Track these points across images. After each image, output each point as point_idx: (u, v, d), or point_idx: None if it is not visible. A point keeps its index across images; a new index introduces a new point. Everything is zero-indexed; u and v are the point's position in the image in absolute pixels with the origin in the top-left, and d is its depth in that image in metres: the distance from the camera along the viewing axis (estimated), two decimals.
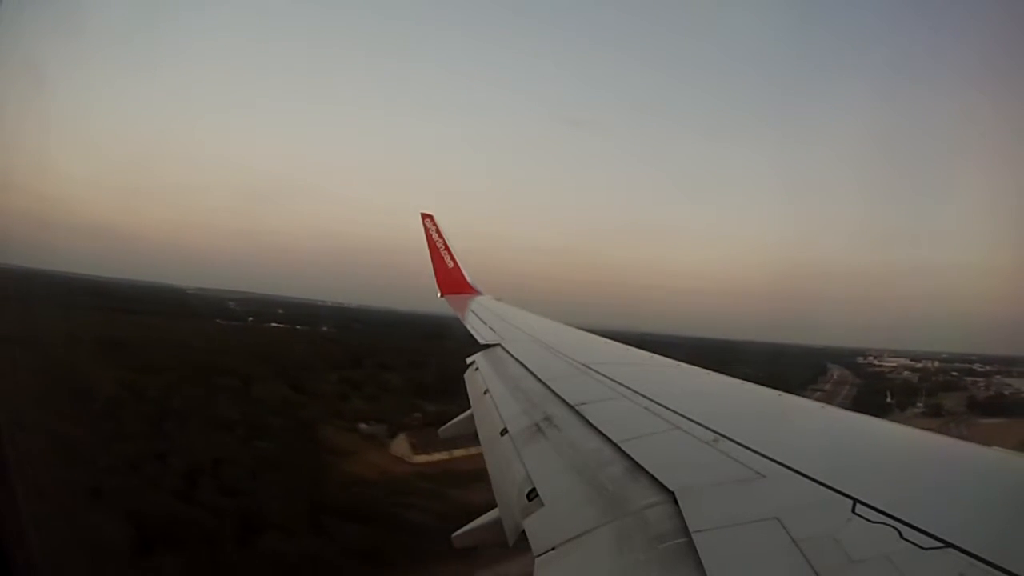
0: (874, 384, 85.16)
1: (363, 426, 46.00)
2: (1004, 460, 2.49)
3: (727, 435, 2.65)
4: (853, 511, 1.85)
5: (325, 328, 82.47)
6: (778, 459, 2.32)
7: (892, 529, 1.72)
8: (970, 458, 2.55)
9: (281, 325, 77.10)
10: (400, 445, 42.19)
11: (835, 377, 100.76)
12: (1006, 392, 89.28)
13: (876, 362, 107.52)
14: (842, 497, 1.94)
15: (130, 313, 61.95)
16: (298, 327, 78.34)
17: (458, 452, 44.92)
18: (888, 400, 71.37)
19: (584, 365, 4.49)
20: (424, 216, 10.78)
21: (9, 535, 2.73)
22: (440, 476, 39.97)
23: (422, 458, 41.06)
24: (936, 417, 66.73)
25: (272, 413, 40.50)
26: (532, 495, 2.60)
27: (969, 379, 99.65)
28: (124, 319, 57.46)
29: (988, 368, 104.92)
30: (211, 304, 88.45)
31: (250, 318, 78.96)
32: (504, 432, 3.52)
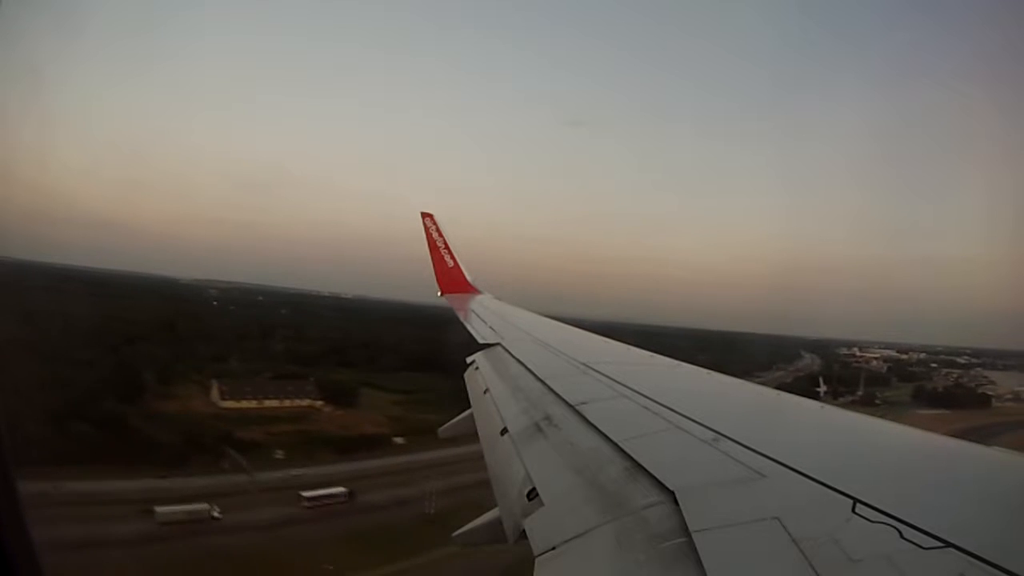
0: (826, 372, 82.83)
1: (215, 381, 55.56)
2: (1004, 460, 2.51)
3: (727, 435, 2.66)
4: (853, 511, 1.85)
5: (284, 311, 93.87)
6: (778, 459, 2.32)
7: (892, 529, 1.71)
8: (970, 458, 2.56)
9: (232, 308, 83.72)
10: (213, 393, 49.20)
11: (798, 365, 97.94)
12: (971, 385, 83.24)
13: (857, 353, 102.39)
14: (842, 497, 1.94)
15: (94, 296, 72.53)
16: (252, 310, 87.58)
17: (269, 402, 53.39)
18: (818, 388, 70.26)
19: (584, 364, 4.51)
20: (424, 215, 10.77)
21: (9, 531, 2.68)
22: (231, 419, 45.89)
23: (229, 404, 48.39)
24: (869, 406, 65.55)
25: (123, 362, 47.00)
26: (532, 495, 2.61)
27: (944, 371, 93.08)
28: (84, 301, 69.01)
29: (973, 361, 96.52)
30: (190, 291, 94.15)
31: (214, 302, 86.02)
32: (504, 431, 3.53)
